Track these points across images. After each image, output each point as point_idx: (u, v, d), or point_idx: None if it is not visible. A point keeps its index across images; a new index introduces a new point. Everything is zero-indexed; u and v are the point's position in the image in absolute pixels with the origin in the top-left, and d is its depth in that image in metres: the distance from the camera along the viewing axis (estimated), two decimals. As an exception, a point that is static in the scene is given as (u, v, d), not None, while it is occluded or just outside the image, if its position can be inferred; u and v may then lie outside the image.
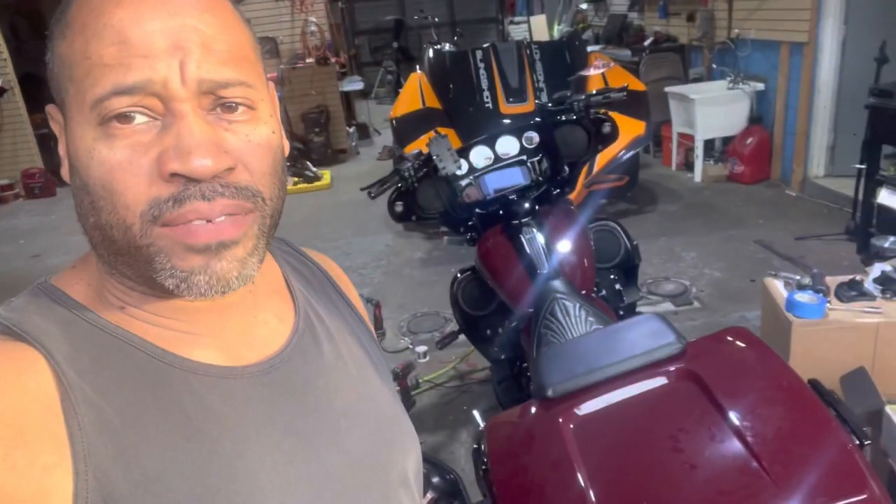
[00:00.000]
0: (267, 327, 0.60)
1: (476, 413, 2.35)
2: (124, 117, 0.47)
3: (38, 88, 7.44)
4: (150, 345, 0.53)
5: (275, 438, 0.54)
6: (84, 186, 0.49)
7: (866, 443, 0.93)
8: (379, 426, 0.64)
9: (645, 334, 1.12)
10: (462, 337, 2.24)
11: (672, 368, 1.06)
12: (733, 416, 0.96)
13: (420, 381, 2.76)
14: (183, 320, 0.55)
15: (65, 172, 0.53)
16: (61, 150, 0.52)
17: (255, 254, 0.53)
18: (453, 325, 2.26)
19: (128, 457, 0.47)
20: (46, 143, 7.05)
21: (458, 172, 1.95)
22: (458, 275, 2.14)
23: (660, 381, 1.06)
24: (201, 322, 0.56)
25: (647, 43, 6.38)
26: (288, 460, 0.54)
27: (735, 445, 0.93)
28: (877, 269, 2.12)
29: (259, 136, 0.52)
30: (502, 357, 2.13)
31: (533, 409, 1.14)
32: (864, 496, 0.83)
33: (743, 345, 1.11)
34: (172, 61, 0.47)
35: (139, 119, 0.48)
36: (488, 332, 2.14)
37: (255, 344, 0.58)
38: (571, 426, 1.04)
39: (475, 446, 1.31)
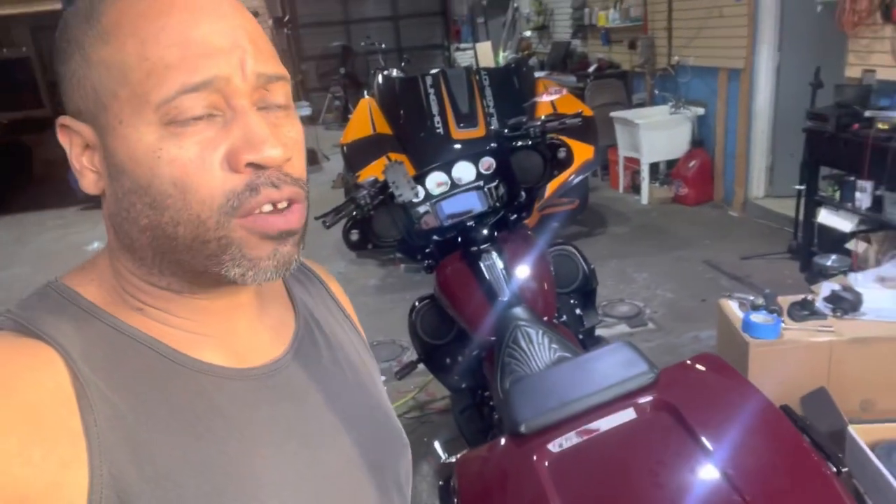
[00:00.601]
0: (271, 331, 0.62)
1: (437, 444, 2.29)
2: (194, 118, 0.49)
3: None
4: (162, 344, 0.54)
5: (278, 439, 0.56)
6: (141, 188, 0.50)
7: (843, 469, 0.93)
8: (374, 430, 0.66)
9: (617, 364, 1.09)
10: (421, 366, 2.18)
11: (646, 399, 1.04)
12: (712, 448, 0.94)
13: (378, 413, 2.68)
14: (196, 321, 0.57)
15: (88, 183, 0.53)
16: (76, 160, 0.53)
17: (302, 241, 0.56)
18: (411, 354, 2.20)
19: (141, 453, 0.48)
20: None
21: (415, 199, 1.91)
22: (417, 303, 2.09)
23: (634, 412, 1.03)
24: (212, 323, 0.57)
25: (591, 69, 6.54)
26: (291, 461, 0.56)
27: (716, 479, 0.91)
28: (826, 288, 2.17)
29: (297, 131, 0.55)
30: (463, 386, 2.08)
31: (505, 446, 1.09)
32: (848, 527, 0.81)
33: (715, 372, 1.10)
34: (233, 59, 0.50)
35: (203, 116, 0.50)
36: (448, 360, 2.09)
37: (260, 347, 0.60)
38: (546, 463, 1.00)
39: (441, 483, 1.25)
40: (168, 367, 0.53)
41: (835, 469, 0.92)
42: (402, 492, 0.68)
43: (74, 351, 0.49)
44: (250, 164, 0.50)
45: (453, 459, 2.25)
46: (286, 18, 8.98)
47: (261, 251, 0.52)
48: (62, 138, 0.53)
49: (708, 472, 0.93)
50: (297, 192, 0.53)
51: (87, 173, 0.53)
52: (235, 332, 0.59)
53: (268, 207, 0.52)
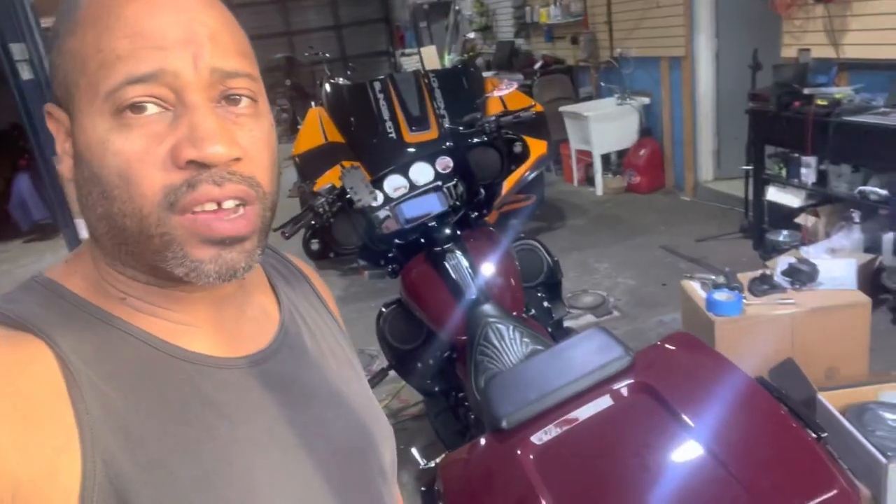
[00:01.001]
0: (255, 322, 0.62)
1: (415, 451, 2.26)
2: (137, 107, 0.49)
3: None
4: (149, 335, 0.54)
5: (266, 426, 0.57)
6: (94, 177, 0.50)
7: (823, 435, 0.94)
8: (359, 419, 0.66)
9: (592, 350, 1.09)
10: (392, 373, 2.15)
11: (625, 383, 1.04)
12: (694, 425, 0.94)
13: (351, 424, 2.63)
14: (181, 311, 0.56)
15: (64, 168, 0.54)
16: (60, 147, 0.54)
17: (260, 246, 0.55)
18: (381, 362, 2.17)
19: (132, 441, 0.49)
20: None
21: (375, 203, 1.89)
22: (384, 309, 2.06)
23: (615, 397, 1.03)
24: (197, 314, 0.57)
25: (536, 66, 6.59)
26: (279, 447, 0.57)
27: (700, 455, 0.91)
28: (783, 262, 2.22)
29: (262, 130, 0.54)
30: (436, 389, 2.06)
31: (487, 444, 1.08)
32: (835, 492, 0.82)
33: (689, 350, 1.10)
34: (185, 53, 0.49)
35: (151, 109, 0.49)
36: (419, 364, 2.07)
37: (246, 337, 0.60)
38: (531, 456, 0.99)
39: (424, 489, 1.23)
40: (156, 356, 0.53)
41: (815, 435, 0.93)
42: (388, 478, 0.69)
43: (63, 342, 0.49)
44: (192, 162, 0.49)
45: (432, 464, 2.22)
46: (226, 33, 8.82)
47: (202, 254, 0.51)
48: (50, 124, 0.54)
49: (692, 449, 0.93)
50: (244, 192, 0.52)
51: (65, 159, 0.54)
52: (221, 323, 0.59)
53: (211, 206, 0.50)
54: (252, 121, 0.53)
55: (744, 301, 2.08)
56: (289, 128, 9.83)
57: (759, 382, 1.03)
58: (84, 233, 0.60)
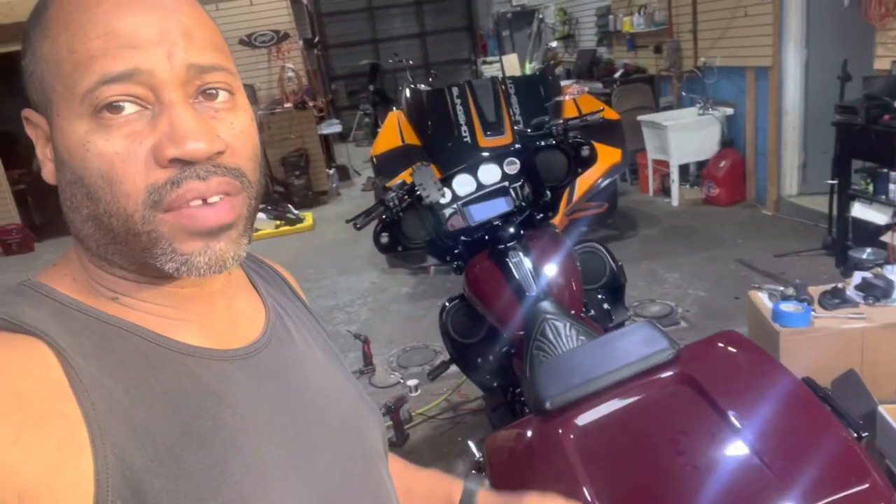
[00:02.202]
0: (245, 316, 0.64)
1: (471, 444, 2.31)
2: (114, 107, 0.49)
3: (12, 146, 7.40)
4: (146, 330, 0.55)
5: (268, 414, 0.58)
6: (77, 179, 0.51)
7: (864, 435, 0.94)
8: (350, 404, 0.69)
9: (638, 342, 1.12)
10: (453, 367, 2.22)
11: (668, 374, 1.07)
12: (732, 417, 0.96)
13: (412, 414, 2.73)
14: (172, 307, 0.57)
15: (48, 173, 0.55)
16: (40, 152, 0.54)
17: (246, 235, 0.56)
18: (443, 356, 2.24)
19: (140, 433, 0.49)
20: (24, 198, 6.99)
21: (443, 201, 1.96)
22: (447, 304, 2.13)
23: (657, 386, 1.06)
24: (189, 309, 0.58)
25: (617, 75, 6.55)
26: (283, 434, 0.58)
27: (737, 445, 0.93)
28: (857, 276, 2.15)
29: (241, 122, 0.55)
30: (495, 384, 2.11)
31: (531, 424, 1.13)
32: (867, 485, 0.83)
33: (735, 347, 1.12)
34: (159, 50, 0.50)
35: (129, 109, 0.50)
36: (479, 359, 2.12)
37: (237, 330, 0.62)
38: (572, 437, 1.04)
39: (473, 471, 1.29)
40: (154, 350, 0.54)
41: (856, 435, 0.94)
42: (384, 460, 0.72)
43: (62, 340, 0.49)
44: (175, 160, 0.49)
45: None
46: (316, 40, 9.20)
47: (191, 247, 0.52)
48: (28, 130, 0.55)
49: (731, 442, 0.95)
50: (230, 185, 0.53)
51: (47, 163, 0.54)
52: (214, 317, 0.60)
53: (196, 202, 0.51)
54: (231, 114, 0.54)
55: (812, 314, 2.03)
56: (370, 132, 10.11)
57: (805, 382, 1.04)
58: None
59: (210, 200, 0.52)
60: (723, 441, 0.96)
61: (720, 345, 1.14)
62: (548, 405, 1.09)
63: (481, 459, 2.19)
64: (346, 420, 0.66)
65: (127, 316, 0.55)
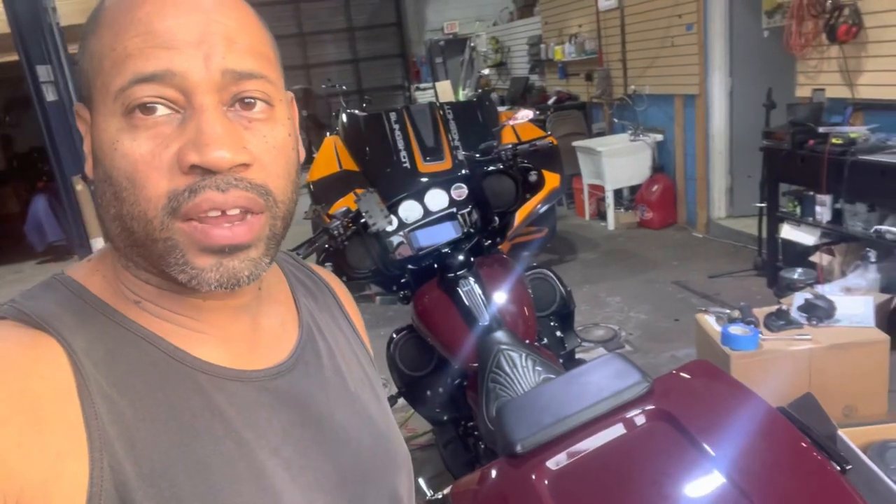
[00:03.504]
0: (272, 335, 0.61)
1: (422, 481, 2.22)
2: (146, 108, 0.48)
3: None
4: (163, 341, 0.53)
5: (275, 444, 0.55)
6: (107, 178, 0.50)
7: (847, 468, 0.91)
8: (373, 443, 0.64)
9: (609, 376, 1.07)
10: (401, 401, 2.13)
11: (643, 409, 1.01)
12: (714, 453, 0.92)
13: (358, 452, 2.60)
14: (194, 318, 0.55)
15: (89, 168, 0.53)
16: (86, 146, 0.53)
17: (268, 255, 0.53)
18: (390, 389, 2.14)
19: (138, 450, 0.48)
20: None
21: (389, 228, 1.89)
22: (394, 335, 2.05)
23: (632, 423, 1.01)
24: (211, 322, 0.56)
25: (550, 102, 6.67)
26: (287, 467, 0.55)
27: (722, 484, 0.88)
28: (799, 297, 2.20)
29: (276, 137, 0.52)
30: (445, 418, 2.03)
31: (501, 469, 1.05)
32: (861, 524, 0.79)
33: (709, 378, 1.08)
34: (196, 53, 0.48)
35: (161, 111, 0.48)
36: (429, 392, 2.04)
37: (261, 350, 0.59)
38: (546, 482, 0.96)
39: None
40: (168, 363, 0.52)
41: (839, 468, 0.90)
42: None
43: (77, 344, 0.49)
44: (195, 167, 0.47)
45: (440, 496, 2.18)
46: (245, 64, 9.00)
47: (202, 262, 0.50)
48: (79, 124, 0.54)
49: (713, 479, 0.90)
50: (251, 200, 0.49)
51: (88, 158, 0.53)
52: (236, 333, 0.57)
53: (214, 213, 0.49)
54: (266, 126, 0.51)
55: (760, 336, 2.05)
56: (305, 158, 9.95)
57: (782, 412, 1.00)
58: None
59: (229, 213, 0.49)
60: (704, 479, 0.91)
61: (693, 376, 1.10)
62: (518, 448, 1.01)
63: (436, 498, 2.09)
64: (363, 460, 0.62)
65: (147, 323, 0.53)
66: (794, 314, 2.13)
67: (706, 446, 0.93)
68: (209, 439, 0.51)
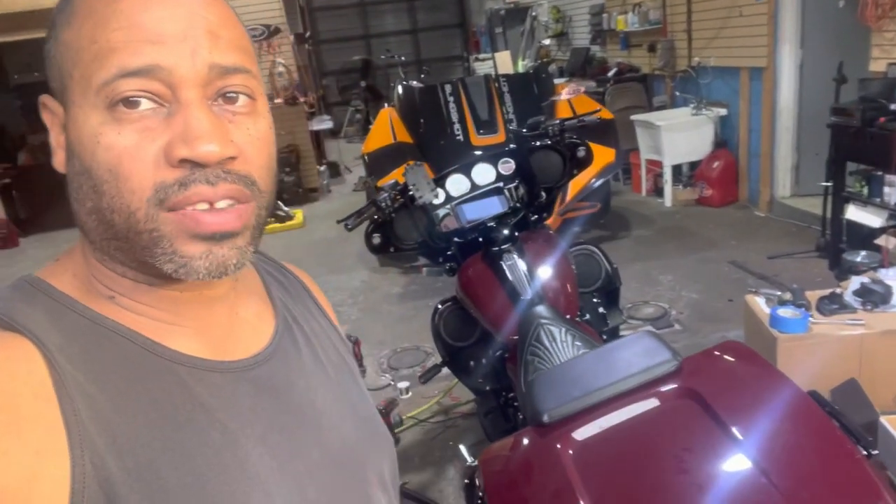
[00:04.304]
0: (249, 325, 0.61)
1: (463, 448, 2.28)
2: (130, 102, 0.48)
3: (-1, 141, 7.29)
4: (139, 335, 0.53)
5: (259, 432, 0.55)
6: (85, 171, 0.49)
7: (874, 453, 0.91)
8: (356, 427, 0.65)
9: (639, 353, 1.09)
10: (445, 370, 2.18)
11: (670, 387, 1.03)
12: (737, 432, 0.93)
13: (403, 418, 2.69)
14: (170, 311, 0.55)
15: (58, 162, 0.53)
16: (53, 140, 0.52)
17: (252, 244, 0.54)
18: (435, 359, 2.20)
19: (120, 444, 0.48)
20: (8, 193, 6.89)
21: (436, 201, 1.92)
22: (439, 306, 2.09)
23: (658, 400, 1.02)
24: (188, 314, 0.56)
25: (610, 74, 6.51)
26: (273, 454, 0.55)
27: (743, 463, 0.90)
28: (855, 281, 2.13)
29: (259, 129, 0.54)
30: (487, 388, 2.07)
31: (528, 437, 1.09)
32: (880, 507, 0.80)
33: (739, 358, 1.08)
34: (182, 48, 0.48)
35: (145, 105, 0.48)
36: (472, 363, 2.09)
37: (238, 340, 0.59)
38: (570, 452, 1.00)
39: (466, 482, 1.25)
40: (145, 357, 0.52)
41: (865, 453, 0.90)
42: (388, 490, 0.67)
43: (51, 342, 0.48)
44: (185, 161, 0.48)
45: (476, 463, 2.24)
46: (307, 35, 9.11)
47: (192, 250, 0.50)
48: (45, 116, 0.53)
49: (735, 459, 0.92)
50: (239, 192, 0.51)
51: (59, 151, 0.52)
52: (213, 324, 0.58)
53: (203, 206, 0.50)
54: (249, 119, 0.53)
55: (810, 319, 2.01)
56: (361, 128, 10.04)
57: (812, 396, 1.00)
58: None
59: (217, 206, 0.50)
60: (727, 458, 0.92)
61: (723, 356, 1.10)
62: (545, 418, 1.05)
63: (473, 465, 2.16)
64: (348, 444, 0.63)
65: (122, 319, 0.53)
66: (849, 298, 2.07)
67: (730, 426, 0.94)
68: (193, 430, 0.51)
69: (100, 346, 0.51)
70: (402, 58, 8.45)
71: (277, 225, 5.98)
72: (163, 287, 0.54)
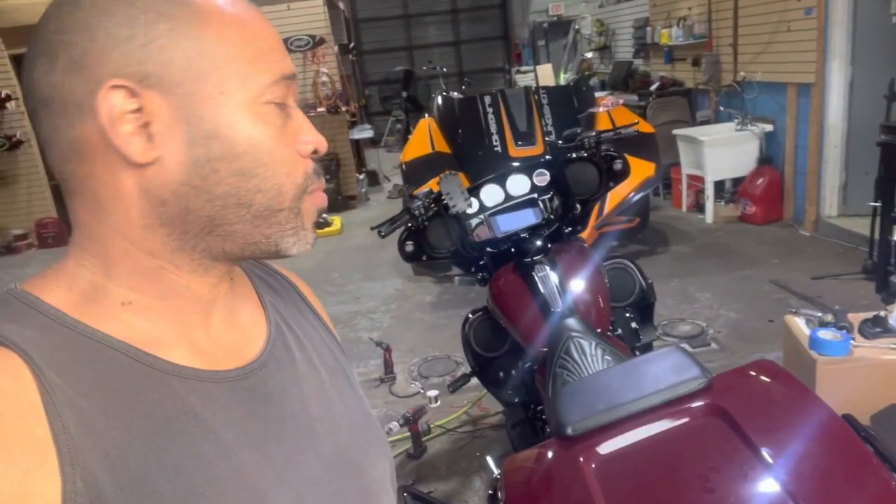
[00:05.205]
0: (243, 332, 0.62)
1: (489, 459, 2.27)
2: (276, 102, 0.55)
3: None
4: (131, 346, 0.52)
5: (255, 442, 0.55)
6: (235, 154, 0.53)
7: (911, 481, 0.87)
8: (352, 431, 0.65)
9: (668, 368, 1.07)
10: (474, 380, 2.18)
11: (698, 404, 1.01)
12: (766, 454, 0.90)
13: (431, 426, 2.68)
14: (167, 321, 0.56)
15: (137, 152, 0.51)
16: (135, 129, 0.50)
17: None
18: (465, 368, 2.20)
19: (114, 458, 0.47)
20: (60, 193, 7.15)
21: (469, 211, 1.93)
22: (470, 315, 2.09)
23: (686, 417, 1.01)
24: (182, 323, 0.57)
25: (653, 88, 6.45)
26: (269, 464, 0.55)
27: (770, 485, 0.87)
28: (901, 304, 2.06)
29: None
30: (516, 400, 2.06)
31: (552, 450, 1.08)
32: (915, 539, 0.77)
33: (771, 378, 1.06)
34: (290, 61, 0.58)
35: (282, 104, 0.56)
36: (501, 374, 2.08)
37: (231, 349, 0.59)
38: (593, 466, 0.98)
39: (490, 492, 1.25)
40: (137, 368, 0.52)
41: (901, 481, 0.87)
42: (388, 491, 0.67)
43: (39, 356, 0.48)
44: (314, 152, 0.58)
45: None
46: (351, 45, 9.25)
47: (312, 224, 0.60)
48: (103, 102, 0.49)
49: (764, 481, 0.89)
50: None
51: (136, 141, 0.50)
52: (209, 332, 0.58)
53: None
54: None
55: (852, 342, 1.94)
56: (401, 138, 10.13)
57: (846, 420, 0.97)
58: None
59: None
60: (755, 480, 0.90)
61: (755, 375, 1.08)
62: (570, 430, 1.03)
63: (499, 476, 2.14)
64: (345, 450, 0.63)
65: (114, 332, 0.52)
66: (893, 322, 2.00)
67: (759, 447, 0.92)
68: (186, 442, 0.51)
69: (90, 359, 0.50)
70: (444, 69, 8.53)
71: (316, 231, 6.06)
72: (187, 279, 0.56)
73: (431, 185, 2.51)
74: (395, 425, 2.58)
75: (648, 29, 6.97)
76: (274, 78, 0.54)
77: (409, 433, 2.58)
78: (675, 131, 5.47)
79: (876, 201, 3.56)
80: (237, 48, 0.53)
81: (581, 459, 0.99)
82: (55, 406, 0.46)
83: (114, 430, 0.48)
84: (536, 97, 4.33)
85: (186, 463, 0.50)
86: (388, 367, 3.22)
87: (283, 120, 0.55)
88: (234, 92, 0.52)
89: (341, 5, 8.79)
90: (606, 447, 1.00)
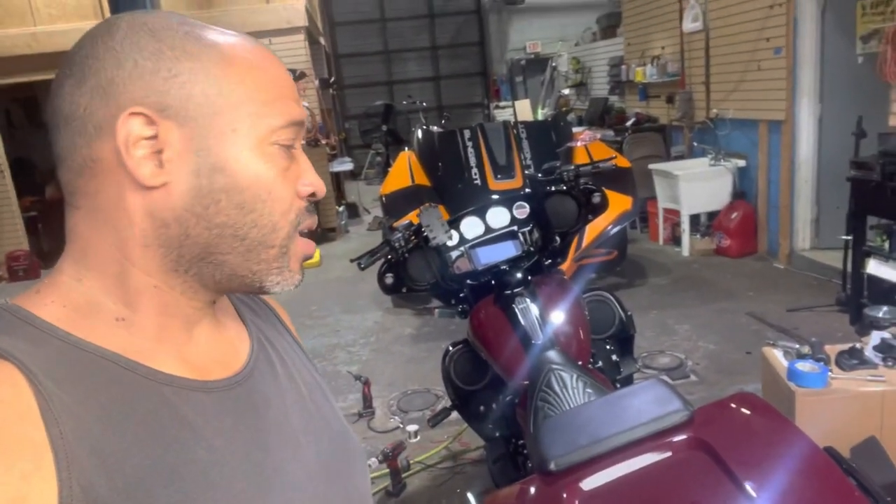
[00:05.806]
0: (229, 346, 0.64)
1: (471, 496, 2.23)
2: (283, 144, 0.58)
3: (28, 173, 7.48)
4: (123, 358, 0.54)
5: (244, 450, 0.57)
6: (238, 188, 0.56)
7: (894, 514, 0.87)
8: (332, 443, 0.68)
9: (650, 401, 1.06)
10: (455, 414, 2.15)
11: (681, 437, 1.00)
12: (750, 487, 0.90)
13: (411, 462, 2.64)
14: (158, 335, 0.58)
15: (146, 176, 0.54)
16: (149, 155, 0.54)
17: None
18: (445, 402, 2.17)
19: (109, 464, 0.48)
20: (34, 225, 7.03)
21: (449, 243, 1.93)
22: (450, 348, 2.07)
23: (669, 450, 1.00)
24: (175, 331, 0.59)
25: (628, 123, 6.58)
26: (258, 471, 0.57)
27: (754, 519, 0.86)
28: (876, 336, 2.08)
29: None
30: (497, 434, 2.03)
31: (534, 486, 1.06)
32: (900, 573, 0.76)
33: (753, 411, 1.05)
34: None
35: (290, 147, 0.60)
36: (482, 408, 2.06)
37: (219, 361, 0.62)
38: (577, 502, 0.97)
39: (472, 529, 1.22)
40: (131, 378, 0.53)
41: (884, 513, 0.87)
42: (367, 499, 0.71)
43: (35, 366, 0.49)
44: (310, 196, 0.61)
45: (485, 511, 2.18)
46: (332, 80, 9.33)
47: (298, 266, 0.62)
48: (122, 125, 0.52)
49: (747, 515, 0.88)
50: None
51: (147, 165, 0.53)
52: (196, 345, 0.60)
53: (306, 231, 0.62)
54: None
55: (829, 374, 1.96)
56: (381, 170, 10.18)
57: (828, 452, 0.97)
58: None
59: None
60: (739, 513, 0.89)
61: (736, 407, 1.08)
62: (552, 465, 1.02)
63: (481, 514, 2.09)
64: (327, 458, 0.65)
65: (108, 344, 0.54)
66: (869, 353, 2.02)
67: (742, 480, 0.91)
68: (180, 448, 0.52)
69: (84, 369, 0.52)
70: (424, 103, 8.62)
71: (302, 272, 6.02)
72: (179, 303, 0.59)
73: (412, 217, 2.51)
74: (373, 461, 2.52)
75: (623, 67, 7.15)
76: (284, 122, 0.57)
77: (387, 469, 2.53)
78: (650, 166, 5.57)
79: (848, 235, 3.63)
80: (253, 91, 0.56)
81: (565, 496, 0.97)
82: (52, 413, 0.47)
83: (109, 437, 0.49)
84: (515, 131, 4.38)
85: (181, 469, 0.52)
86: (367, 401, 3.17)
87: (287, 161, 0.58)
88: (245, 130, 0.56)
89: (322, 41, 8.89)
90: (590, 482, 0.99)
